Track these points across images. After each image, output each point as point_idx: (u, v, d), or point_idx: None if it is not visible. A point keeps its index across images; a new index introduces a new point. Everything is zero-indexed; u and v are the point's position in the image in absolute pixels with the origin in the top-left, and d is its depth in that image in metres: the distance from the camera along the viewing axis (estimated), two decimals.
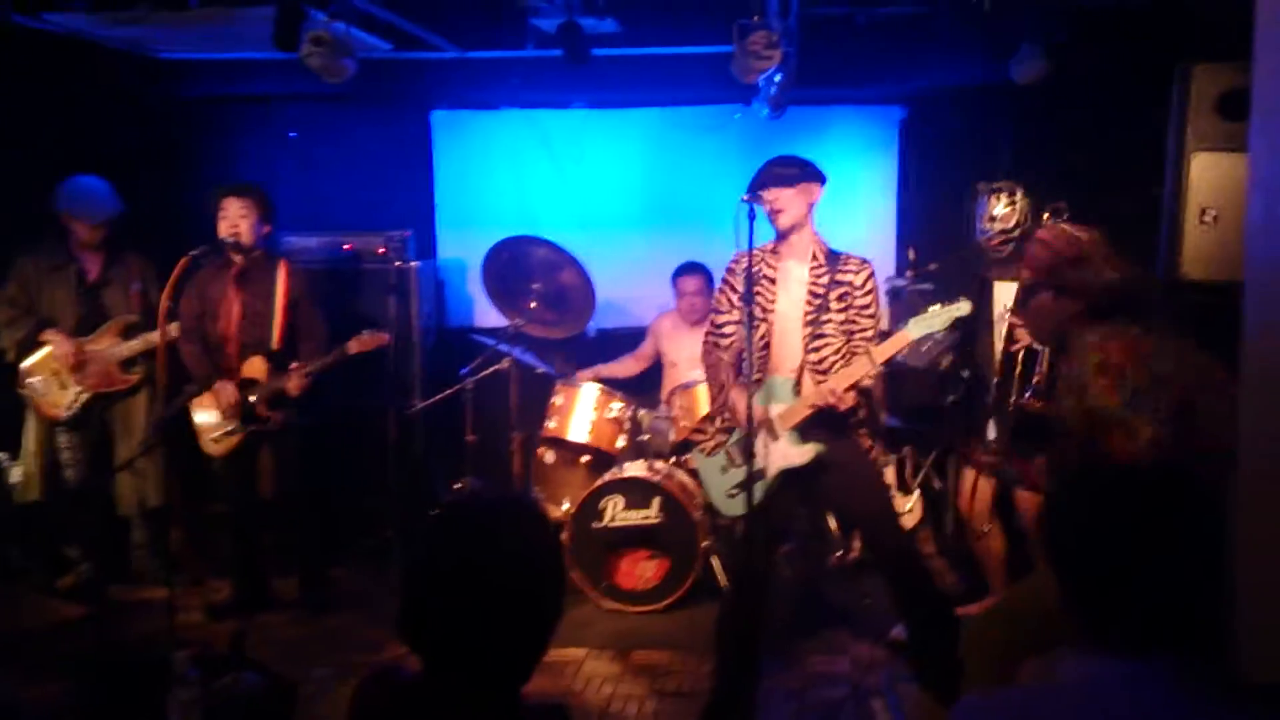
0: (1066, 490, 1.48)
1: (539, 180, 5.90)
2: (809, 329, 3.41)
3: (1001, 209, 3.96)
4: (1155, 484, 1.44)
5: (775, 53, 4.01)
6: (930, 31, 4.90)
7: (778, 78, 4.52)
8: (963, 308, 3.31)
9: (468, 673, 1.44)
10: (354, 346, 4.35)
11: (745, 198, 3.25)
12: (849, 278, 3.42)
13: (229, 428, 4.32)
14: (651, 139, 5.84)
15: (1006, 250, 4.02)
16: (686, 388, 4.96)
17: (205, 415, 4.40)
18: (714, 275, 5.27)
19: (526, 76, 5.42)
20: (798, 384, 3.42)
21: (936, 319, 3.30)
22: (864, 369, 3.30)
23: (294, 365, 4.35)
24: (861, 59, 5.13)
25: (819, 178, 3.43)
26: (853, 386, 3.31)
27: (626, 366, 5.53)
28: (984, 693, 1.50)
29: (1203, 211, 3.36)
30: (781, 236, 3.45)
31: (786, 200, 3.37)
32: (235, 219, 4.32)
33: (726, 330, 3.57)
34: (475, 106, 5.93)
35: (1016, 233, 3.93)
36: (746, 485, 3.16)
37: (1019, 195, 3.96)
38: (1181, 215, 3.39)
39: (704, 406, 4.87)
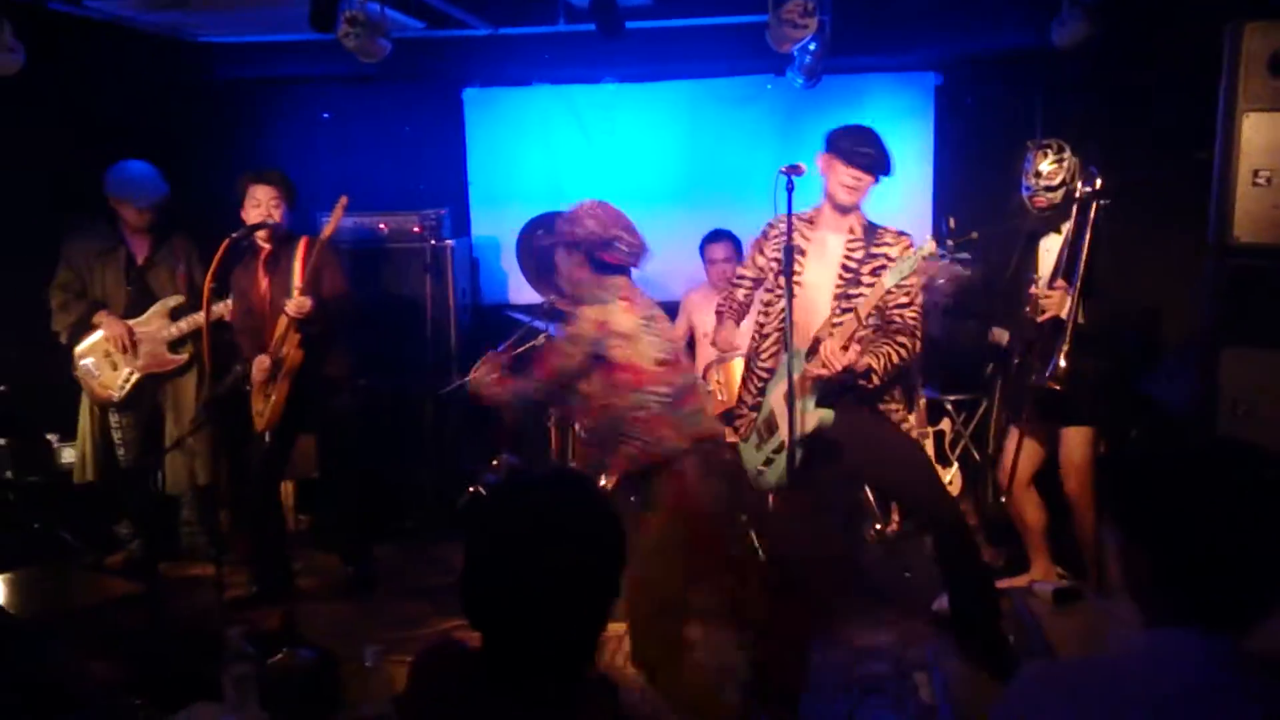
0: (1154, 463, 1.45)
1: (571, 155, 5.88)
2: (837, 302, 3.40)
3: (1048, 165, 3.86)
4: (1246, 458, 1.40)
5: (811, 21, 3.98)
6: None
7: (812, 46, 4.48)
8: (926, 248, 3.28)
9: (530, 649, 1.45)
10: (326, 231, 4.31)
11: (784, 169, 3.22)
12: (884, 249, 3.40)
13: (266, 393, 4.35)
14: (683, 111, 5.81)
15: (1047, 206, 3.90)
16: (722, 362, 4.94)
17: (255, 407, 4.43)
18: (742, 243, 5.25)
19: (558, 52, 5.40)
20: (812, 350, 3.39)
21: (905, 263, 3.28)
22: (851, 326, 3.32)
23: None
24: (896, 25, 5.06)
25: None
26: (847, 345, 3.27)
27: None
28: (1044, 662, 1.49)
29: (1255, 173, 3.29)
30: (836, 210, 3.46)
31: (867, 186, 3.42)
32: (268, 205, 4.32)
33: (744, 281, 3.73)
34: (507, 83, 5.91)
35: (1060, 191, 3.84)
36: (789, 456, 3.17)
37: (1067, 153, 3.86)
38: (1233, 177, 3.33)
39: (740, 381, 4.85)
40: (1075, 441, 4.00)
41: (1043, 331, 3.83)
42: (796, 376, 3.34)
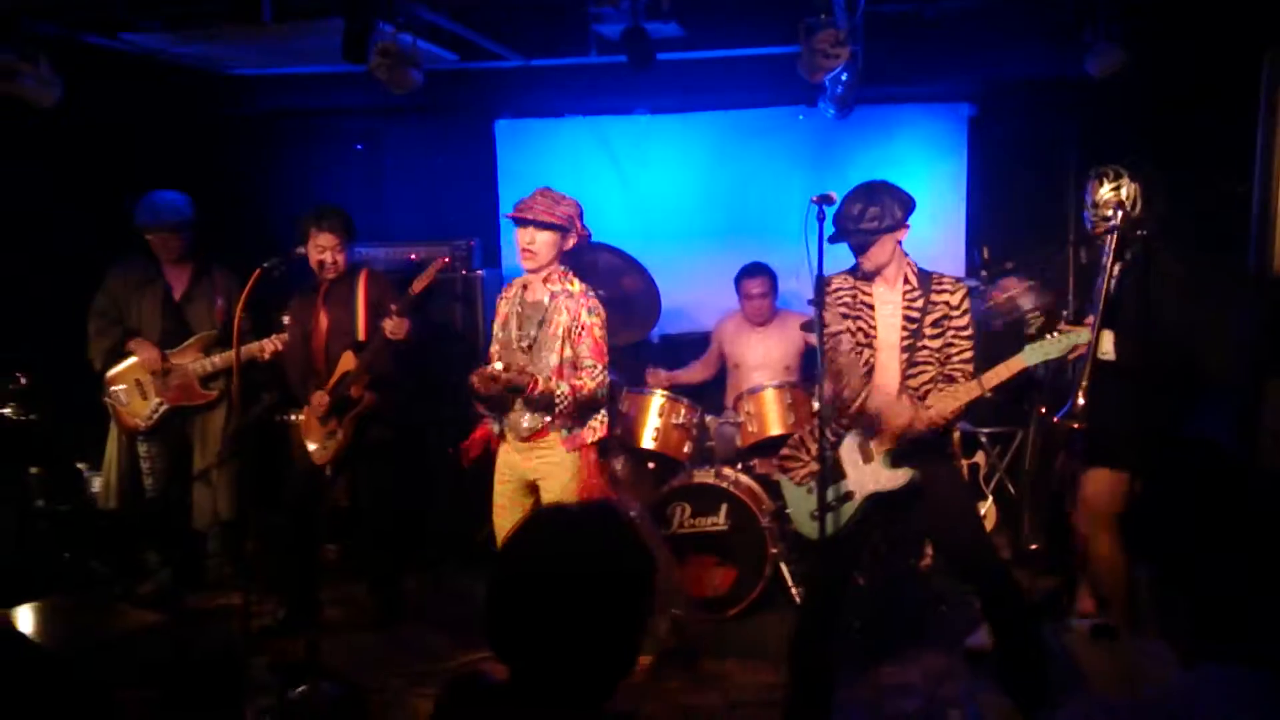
0: (1194, 505, 1.42)
1: (602, 186, 5.89)
2: (905, 354, 3.32)
3: (1104, 192, 3.70)
4: None
5: (843, 50, 3.95)
6: (1000, 24, 4.79)
7: (844, 76, 4.46)
8: (1082, 335, 3.19)
9: (555, 683, 1.43)
10: (418, 285, 4.29)
11: (815, 199, 3.18)
12: (945, 298, 3.32)
13: (329, 429, 4.35)
14: (714, 143, 5.81)
15: (1105, 233, 3.65)
16: (754, 392, 4.90)
17: (310, 440, 4.39)
18: (779, 276, 5.22)
19: (589, 83, 5.43)
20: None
21: (1053, 346, 3.17)
22: (971, 394, 3.22)
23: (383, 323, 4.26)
24: (929, 55, 5.04)
25: (905, 220, 3.29)
26: (957, 411, 3.22)
27: (694, 373, 5.47)
28: (1089, 706, 1.45)
29: None
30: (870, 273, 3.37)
31: (875, 251, 3.28)
32: (332, 252, 4.31)
33: (843, 344, 3.36)
34: (538, 114, 5.94)
35: (1118, 218, 3.63)
36: (822, 509, 3.15)
37: (1125, 179, 3.67)
38: (1273, 209, 3.27)
39: (771, 412, 4.81)
40: (1097, 480, 3.77)
41: (1075, 369, 3.70)
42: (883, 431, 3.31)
